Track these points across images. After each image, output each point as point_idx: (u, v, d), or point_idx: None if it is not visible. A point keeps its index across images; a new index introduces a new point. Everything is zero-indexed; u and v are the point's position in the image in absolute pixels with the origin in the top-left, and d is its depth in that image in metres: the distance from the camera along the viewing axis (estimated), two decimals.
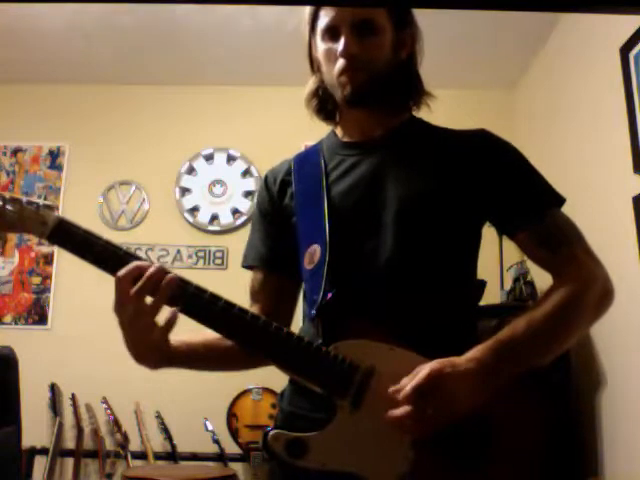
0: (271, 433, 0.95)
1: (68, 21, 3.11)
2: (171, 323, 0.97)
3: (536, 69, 3.34)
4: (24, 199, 0.99)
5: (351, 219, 1.07)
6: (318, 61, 1.15)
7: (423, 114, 1.18)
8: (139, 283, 0.94)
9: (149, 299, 0.95)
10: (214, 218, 3.62)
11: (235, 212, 3.61)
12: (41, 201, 0.99)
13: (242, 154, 3.67)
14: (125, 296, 0.94)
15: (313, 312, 1.01)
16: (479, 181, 1.06)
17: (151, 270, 0.95)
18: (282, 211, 1.17)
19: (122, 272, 0.94)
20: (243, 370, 1.17)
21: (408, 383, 0.90)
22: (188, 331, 1.07)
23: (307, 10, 1.15)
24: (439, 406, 0.89)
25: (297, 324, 1.11)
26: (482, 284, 3.23)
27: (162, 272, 0.95)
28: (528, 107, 3.45)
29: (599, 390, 2.42)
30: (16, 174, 3.67)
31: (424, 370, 0.90)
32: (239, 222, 3.60)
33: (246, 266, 1.22)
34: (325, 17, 1.10)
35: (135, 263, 0.96)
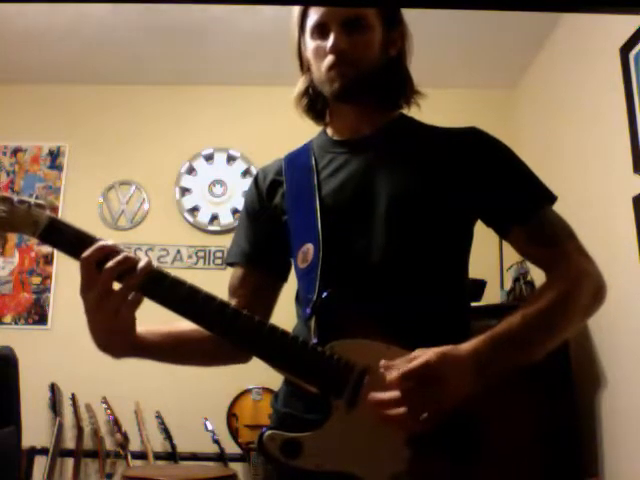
0: (266, 434, 0.95)
1: (68, 21, 3.11)
2: (136, 302, 0.96)
3: (536, 69, 3.34)
4: (15, 198, 0.97)
5: (343, 217, 1.08)
6: (307, 60, 1.16)
7: (422, 113, 1.18)
8: (108, 265, 0.93)
9: (117, 285, 0.94)
10: (214, 218, 3.62)
11: (235, 212, 3.61)
12: (32, 200, 0.97)
13: (242, 154, 3.67)
14: (90, 278, 0.93)
15: (308, 311, 1.01)
16: (470, 179, 1.06)
17: (123, 255, 0.94)
18: (271, 210, 1.17)
19: (86, 253, 0.93)
20: (217, 366, 1.16)
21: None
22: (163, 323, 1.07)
23: (296, 10, 1.16)
24: (429, 394, 0.89)
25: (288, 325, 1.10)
26: (482, 284, 3.22)
27: (134, 258, 0.95)
28: (528, 107, 3.45)
29: (599, 390, 2.42)
30: (16, 174, 3.67)
31: (419, 357, 0.90)
32: None
33: (228, 263, 1.22)
34: (314, 15, 1.11)
35: (99, 244, 0.94)
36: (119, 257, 0.94)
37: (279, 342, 0.97)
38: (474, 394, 0.91)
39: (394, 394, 0.89)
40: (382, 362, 0.92)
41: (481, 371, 0.91)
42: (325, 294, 0.99)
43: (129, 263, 0.94)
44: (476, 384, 0.91)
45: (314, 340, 0.98)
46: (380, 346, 0.96)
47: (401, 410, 0.88)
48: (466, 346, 0.93)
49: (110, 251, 0.94)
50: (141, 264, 0.95)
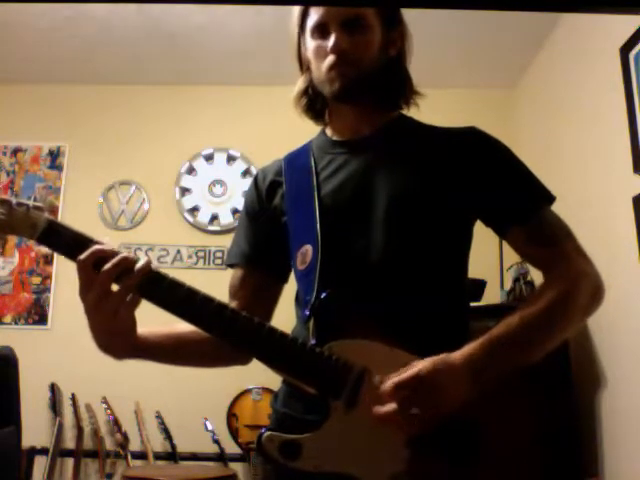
0: (265, 435, 0.94)
1: (68, 21, 3.11)
2: (134, 302, 0.96)
3: (536, 69, 3.33)
4: (13, 201, 0.96)
5: (342, 218, 1.07)
6: (307, 60, 1.16)
7: (421, 113, 1.18)
8: (106, 267, 0.93)
9: (115, 286, 0.94)
10: (214, 218, 3.62)
11: (235, 212, 3.61)
12: (31, 202, 0.97)
13: (242, 154, 3.67)
14: (88, 280, 0.93)
15: (306, 312, 1.01)
16: (469, 179, 1.06)
17: (120, 256, 0.94)
18: (270, 211, 1.17)
19: (83, 256, 0.93)
20: (217, 367, 1.16)
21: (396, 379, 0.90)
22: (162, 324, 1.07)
23: (296, 10, 1.16)
24: (427, 402, 0.89)
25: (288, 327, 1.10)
26: (482, 284, 3.21)
27: (132, 259, 0.95)
28: (528, 107, 3.45)
29: (599, 390, 2.42)
30: (16, 174, 3.67)
31: (413, 367, 0.90)
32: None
33: (228, 264, 1.22)
34: (315, 15, 1.11)
35: (96, 246, 0.94)
36: (116, 259, 0.93)
37: (278, 343, 0.97)
38: (472, 400, 0.91)
39: (389, 407, 0.89)
40: (376, 377, 0.92)
41: (477, 377, 0.92)
42: (323, 295, 0.99)
43: (126, 264, 0.94)
44: (473, 390, 0.91)
45: (312, 341, 0.98)
46: (379, 347, 0.96)
47: (398, 418, 0.89)
48: (461, 352, 0.93)
49: (107, 253, 0.94)
50: (139, 265, 0.95)
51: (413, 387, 0.89)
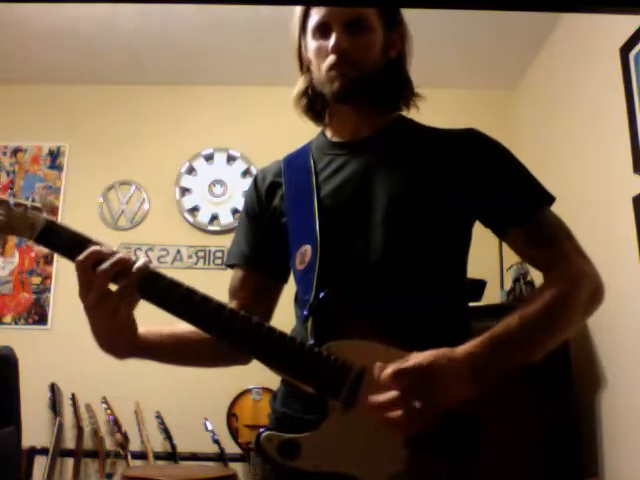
0: (264, 434, 0.94)
1: (68, 21, 3.11)
2: (132, 302, 0.96)
3: (536, 69, 3.34)
4: (11, 201, 0.96)
5: (341, 219, 1.08)
6: (308, 60, 1.16)
7: (421, 114, 1.18)
8: (103, 266, 0.93)
9: (113, 286, 0.95)
10: (214, 218, 3.62)
11: (235, 212, 3.61)
12: (29, 203, 0.97)
13: (242, 154, 3.67)
14: (87, 281, 0.93)
15: (305, 312, 1.01)
16: (468, 180, 1.06)
17: (117, 256, 0.94)
18: (270, 212, 1.17)
19: (81, 257, 0.93)
20: (217, 367, 1.16)
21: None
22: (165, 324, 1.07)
23: (297, 10, 1.16)
24: (428, 394, 0.88)
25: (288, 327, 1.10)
26: (482, 284, 3.21)
27: (129, 259, 0.95)
28: (528, 107, 3.45)
29: (599, 390, 2.42)
30: (16, 174, 3.67)
31: (413, 357, 0.90)
32: None
33: (228, 265, 1.23)
34: (316, 15, 1.11)
35: (94, 247, 0.95)
36: (113, 259, 0.94)
37: (276, 343, 0.97)
38: (471, 397, 0.91)
39: (390, 395, 0.89)
40: (377, 364, 0.92)
41: (478, 374, 0.91)
42: (322, 294, 0.99)
43: (123, 264, 0.94)
44: (474, 387, 0.91)
45: (311, 341, 0.98)
46: (378, 347, 0.96)
47: (398, 412, 0.88)
48: (462, 349, 0.93)
49: (105, 254, 0.94)
50: (137, 264, 0.95)
51: (414, 376, 0.88)
